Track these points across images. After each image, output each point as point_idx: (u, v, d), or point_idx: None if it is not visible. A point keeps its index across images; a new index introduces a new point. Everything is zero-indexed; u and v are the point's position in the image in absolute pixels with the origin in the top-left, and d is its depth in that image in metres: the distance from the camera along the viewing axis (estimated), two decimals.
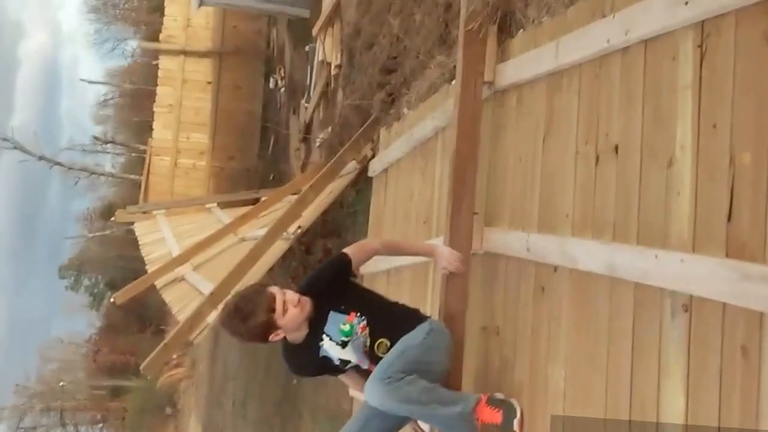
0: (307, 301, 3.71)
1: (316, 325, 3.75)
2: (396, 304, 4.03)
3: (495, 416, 3.55)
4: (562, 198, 3.39)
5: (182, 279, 8.64)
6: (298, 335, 3.75)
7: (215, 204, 11.73)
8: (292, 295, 3.69)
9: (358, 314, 3.74)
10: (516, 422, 3.49)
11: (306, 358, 3.82)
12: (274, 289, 3.70)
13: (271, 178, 13.66)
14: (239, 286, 6.90)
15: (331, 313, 3.75)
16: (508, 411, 3.53)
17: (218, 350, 15.43)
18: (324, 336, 3.74)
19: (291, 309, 3.65)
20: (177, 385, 23.09)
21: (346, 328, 3.73)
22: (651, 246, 2.71)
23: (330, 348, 3.75)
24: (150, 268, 9.45)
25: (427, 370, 3.63)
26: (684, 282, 2.51)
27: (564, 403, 3.26)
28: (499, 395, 3.67)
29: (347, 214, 7.61)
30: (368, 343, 3.73)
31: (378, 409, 3.63)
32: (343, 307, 3.75)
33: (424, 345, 3.69)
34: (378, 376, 3.52)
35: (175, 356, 20.87)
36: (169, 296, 8.57)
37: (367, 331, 3.74)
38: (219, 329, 4.21)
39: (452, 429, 3.65)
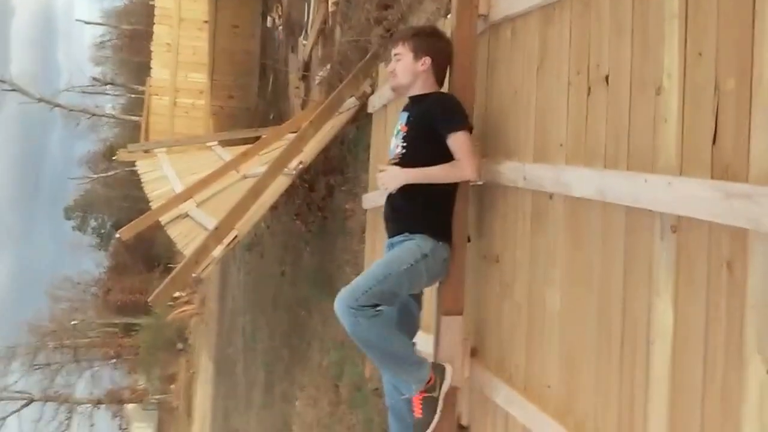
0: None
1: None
2: (428, 196, 3.96)
3: (417, 411, 3.86)
4: (556, 128, 3.47)
5: (186, 215, 8.67)
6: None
7: (216, 142, 11.70)
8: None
9: (405, 143, 3.97)
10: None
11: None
12: None
13: (271, 116, 13.65)
14: (243, 221, 7.07)
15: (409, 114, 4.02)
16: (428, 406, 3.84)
17: (227, 288, 15.57)
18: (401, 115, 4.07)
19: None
20: (187, 322, 23.34)
21: (399, 128, 4.04)
22: (640, 171, 2.80)
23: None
24: (154, 206, 9.51)
25: (399, 295, 3.84)
26: (672, 204, 2.60)
27: (560, 324, 3.40)
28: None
29: (348, 150, 7.66)
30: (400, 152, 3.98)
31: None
32: (411, 122, 4.01)
33: (410, 272, 3.81)
34: (346, 298, 3.64)
35: (185, 293, 21.08)
36: (174, 232, 8.62)
37: (399, 150, 3.99)
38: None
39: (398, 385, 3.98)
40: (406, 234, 3.92)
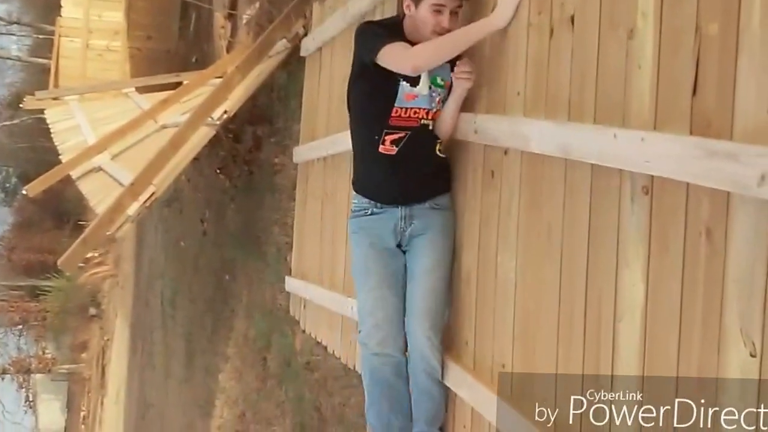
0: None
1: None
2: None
3: None
4: (513, 75, 3.35)
5: (99, 169, 8.48)
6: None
7: (133, 89, 11.48)
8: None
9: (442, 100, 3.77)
10: None
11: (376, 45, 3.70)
12: None
13: (193, 60, 13.46)
14: (161, 176, 6.94)
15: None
16: None
17: (143, 248, 15.44)
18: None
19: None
20: (100, 285, 23.13)
21: (441, 82, 3.75)
22: (609, 124, 2.69)
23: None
24: (64, 158, 9.31)
25: None
26: (644, 162, 2.49)
27: (515, 295, 3.30)
28: None
29: (278, 98, 7.53)
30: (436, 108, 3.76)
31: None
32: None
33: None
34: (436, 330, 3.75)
35: (97, 254, 20.82)
36: (86, 188, 8.48)
37: (436, 106, 3.77)
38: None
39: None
40: (436, 199, 3.86)
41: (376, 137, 3.76)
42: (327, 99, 5.77)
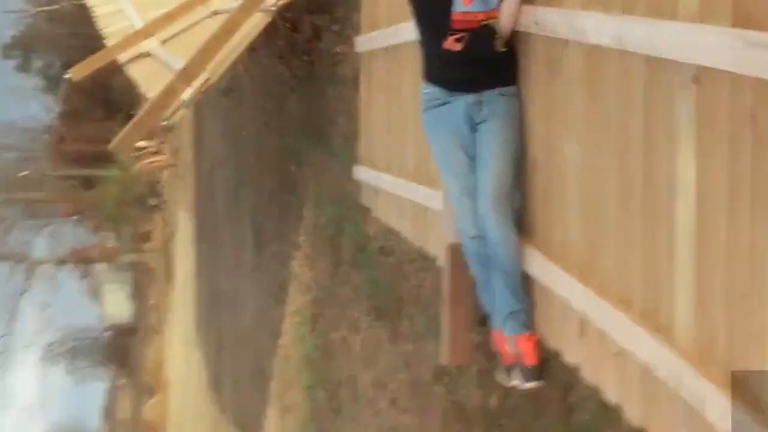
0: None
1: None
2: None
3: (530, 355, 4.07)
4: None
5: (148, 54, 8.50)
6: None
7: None
8: None
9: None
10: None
11: None
12: None
13: None
14: (215, 63, 6.92)
15: None
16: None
17: (203, 137, 15.52)
18: None
19: None
20: (158, 174, 23.22)
21: None
22: (660, 17, 2.97)
23: None
24: (109, 43, 9.27)
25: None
26: (692, 52, 2.78)
27: (580, 177, 3.64)
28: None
29: None
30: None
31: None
32: None
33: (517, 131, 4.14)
34: (502, 206, 4.02)
35: (153, 143, 20.97)
36: (135, 73, 8.47)
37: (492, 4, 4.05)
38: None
39: (501, 304, 4.15)
40: (504, 87, 4.14)
41: (440, 38, 4.09)
42: None
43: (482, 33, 4.05)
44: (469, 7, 4.01)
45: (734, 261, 2.71)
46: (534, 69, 4.01)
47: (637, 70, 3.15)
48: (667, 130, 3.00)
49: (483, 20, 4.03)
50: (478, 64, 4.10)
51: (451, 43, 4.07)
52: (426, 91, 4.31)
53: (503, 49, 4.09)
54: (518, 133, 4.12)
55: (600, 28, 3.34)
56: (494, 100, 4.12)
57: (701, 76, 2.80)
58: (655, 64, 3.03)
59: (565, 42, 3.67)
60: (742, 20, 2.60)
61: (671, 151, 2.98)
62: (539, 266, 3.95)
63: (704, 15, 2.77)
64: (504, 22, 4.04)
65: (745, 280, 2.66)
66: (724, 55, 2.63)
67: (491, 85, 4.13)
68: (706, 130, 2.81)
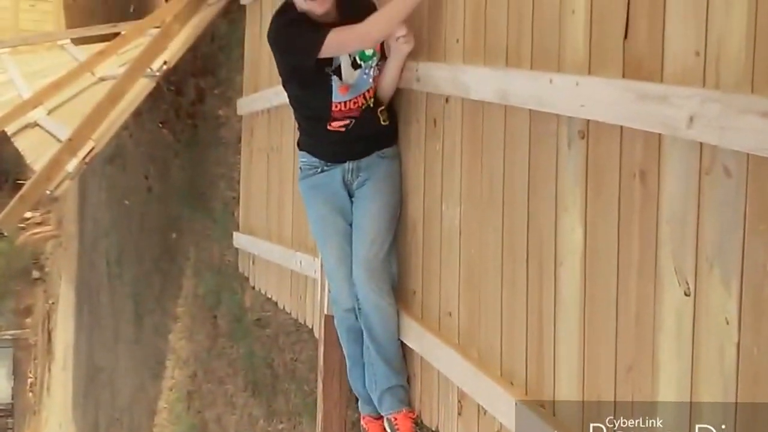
0: None
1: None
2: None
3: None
4: (452, 21, 3.43)
5: (36, 125, 8.40)
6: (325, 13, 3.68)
7: (68, 40, 11.36)
8: None
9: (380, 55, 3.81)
10: None
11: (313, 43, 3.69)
12: None
13: (131, 9, 13.31)
14: (100, 131, 6.91)
15: None
16: None
17: (86, 207, 15.31)
18: None
19: None
20: (42, 246, 22.85)
21: (369, 52, 3.77)
22: (545, 70, 2.79)
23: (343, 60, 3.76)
24: None
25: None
26: (579, 106, 2.59)
27: (460, 243, 3.41)
28: None
29: (219, 48, 7.50)
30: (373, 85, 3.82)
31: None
32: None
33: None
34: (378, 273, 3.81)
35: (38, 214, 20.62)
36: (22, 144, 8.38)
37: (373, 74, 3.81)
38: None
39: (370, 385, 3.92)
40: (382, 150, 3.94)
41: (324, 123, 3.85)
42: (269, 48, 5.77)
43: (365, 115, 3.84)
44: (348, 95, 3.78)
45: (621, 333, 2.50)
46: (415, 128, 3.81)
47: (522, 127, 2.96)
48: (552, 190, 2.80)
49: (363, 105, 3.82)
50: (362, 138, 3.89)
51: (336, 127, 3.85)
52: (303, 159, 4.06)
53: (387, 123, 3.91)
54: (398, 196, 3.91)
55: (482, 83, 3.15)
56: (373, 162, 3.91)
57: (588, 130, 2.62)
58: (540, 118, 2.84)
59: (447, 98, 3.47)
60: (633, 70, 2.43)
61: (556, 213, 2.78)
62: (417, 338, 3.71)
63: (593, 66, 2.59)
64: (386, 92, 3.86)
65: (631, 355, 2.46)
66: (613, 109, 2.45)
67: (370, 152, 3.92)
68: (593, 187, 2.62)
